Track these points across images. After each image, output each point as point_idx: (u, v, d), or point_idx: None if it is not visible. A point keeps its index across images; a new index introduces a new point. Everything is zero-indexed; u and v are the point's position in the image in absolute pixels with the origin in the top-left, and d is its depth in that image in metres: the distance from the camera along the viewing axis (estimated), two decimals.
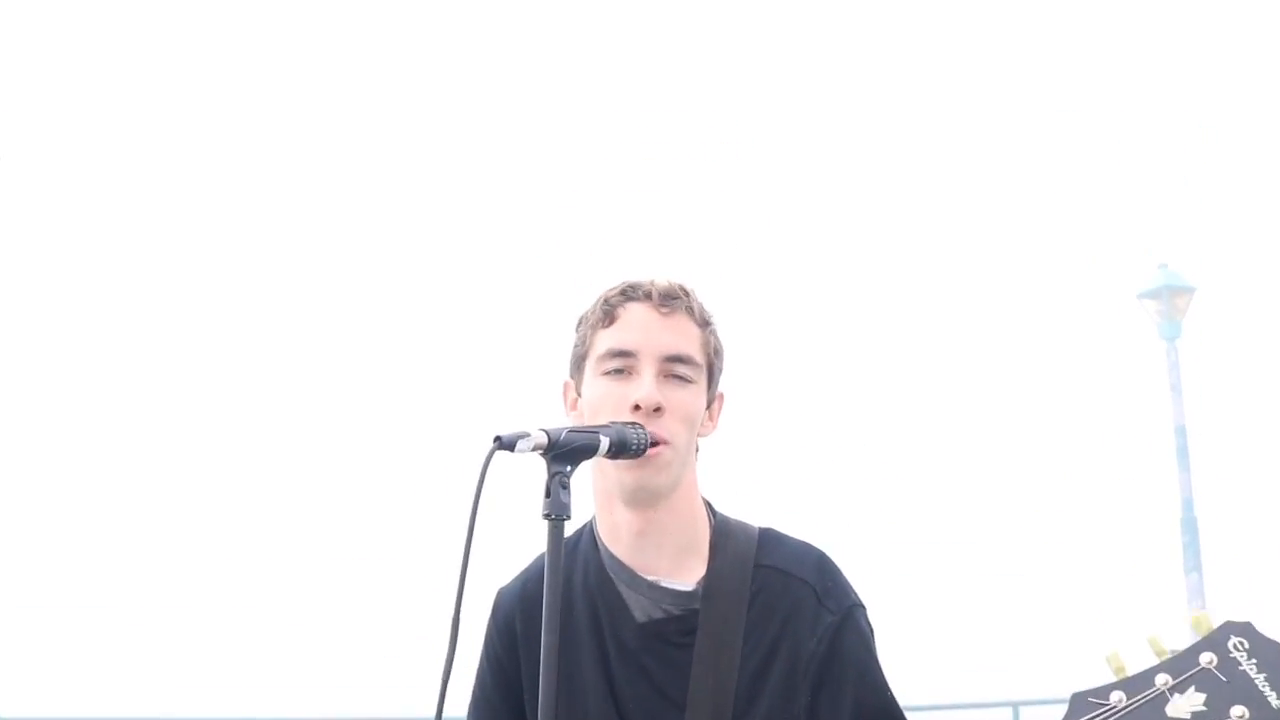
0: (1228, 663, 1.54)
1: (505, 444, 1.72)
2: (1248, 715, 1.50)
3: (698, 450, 2.11)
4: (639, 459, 1.92)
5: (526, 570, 2.18)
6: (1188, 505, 14.01)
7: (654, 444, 1.94)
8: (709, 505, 2.13)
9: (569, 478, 1.78)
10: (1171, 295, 14.50)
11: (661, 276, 2.08)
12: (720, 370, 2.12)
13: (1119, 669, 1.60)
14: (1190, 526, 13.91)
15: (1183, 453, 14.21)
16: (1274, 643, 1.55)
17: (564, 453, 1.77)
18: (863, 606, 2.08)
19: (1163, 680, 1.55)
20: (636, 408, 1.94)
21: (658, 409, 1.95)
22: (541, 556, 2.13)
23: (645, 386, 1.96)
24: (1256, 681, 1.52)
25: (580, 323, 2.09)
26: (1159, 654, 1.60)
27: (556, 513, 1.75)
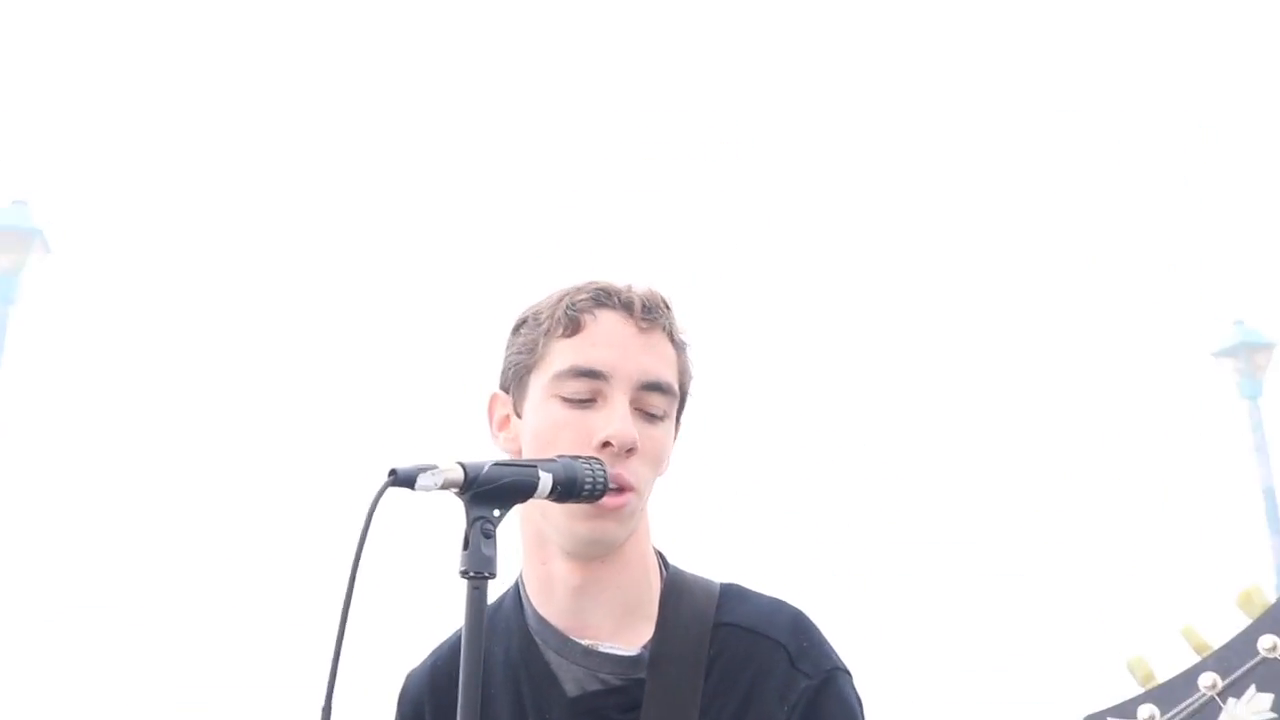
0: None
1: (402, 480, 1.34)
2: None
3: None
4: (594, 505, 1.53)
5: (438, 649, 1.79)
6: None
7: (619, 490, 1.56)
8: (661, 557, 1.74)
9: (495, 525, 1.40)
10: (1250, 353, 13.91)
11: (639, 283, 1.69)
12: (685, 405, 1.74)
13: (1146, 677, 1.17)
14: None
15: (1273, 516, 13.46)
16: None
17: (487, 492, 1.40)
18: (848, 672, 1.67)
19: (1209, 682, 1.12)
20: (606, 445, 1.57)
21: (630, 450, 1.58)
22: (458, 632, 1.76)
23: (619, 420, 1.58)
24: None
25: (524, 324, 1.70)
26: (1199, 649, 1.15)
27: (476, 569, 1.37)
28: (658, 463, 1.63)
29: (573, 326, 1.63)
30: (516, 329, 1.71)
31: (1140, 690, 1.15)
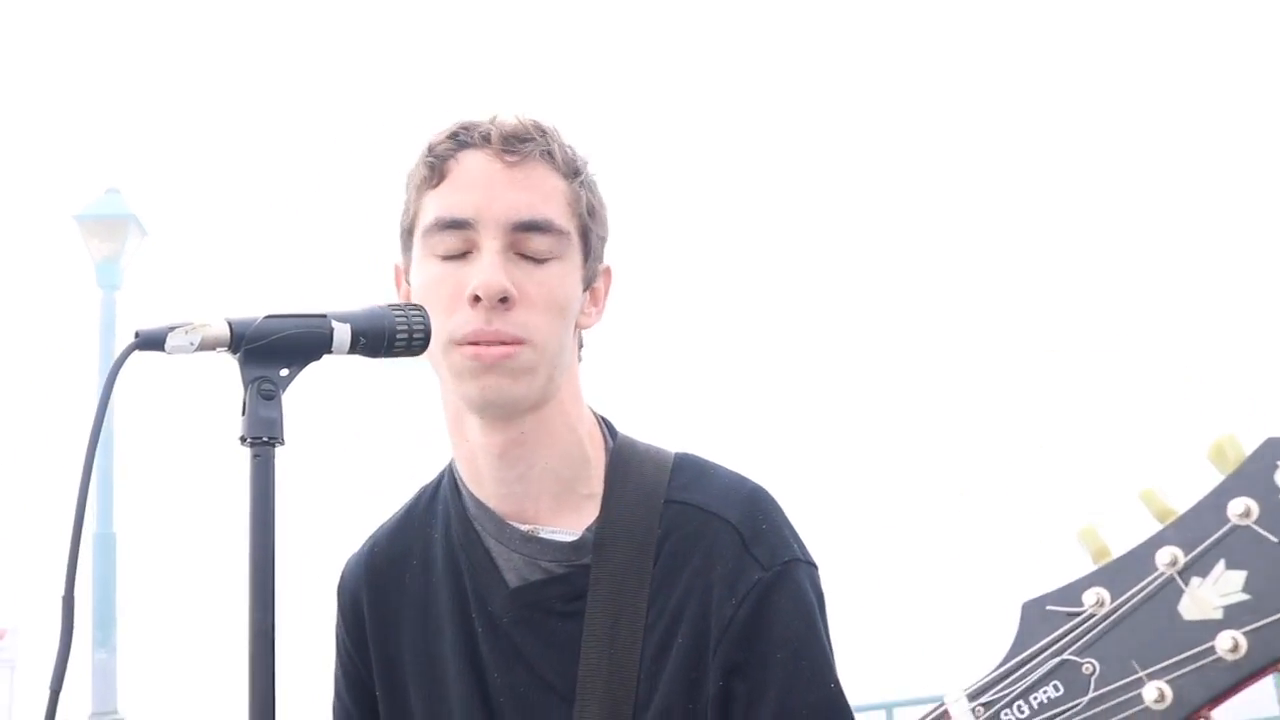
0: (1276, 509, 0.88)
1: (148, 341, 1.19)
2: None
3: (581, 347, 1.57)
4: (475, 358, 1.41)
5: (376, 532, 1.68)
6: None
7: (504, 343, 1.42)
8: (605, 425, 1.59)
9: (281, 387, 1.24)
10: None
11: (509, 112, 1.50)
12: (603, 237, 1.55)
13: (1099, 552, 0.96)
14: None
15: None
16: None
17: (262, 349, 1.24)
18: (810, 564, 1.48)
19: (1168, 558, 0.92)
20: (476, 299, 1.41)
21: (505, 300, 1.41)
22: (402, 512, 1.67)
23: (485, 269, 1.41)
24: None
25: (407, 183, 1.54)
26: (1161, 517, 0.94)
27: (255, 434, 1.21)
28: (556, 309, 1.45)
29: (437, 175, 1.47)
30: (405, 190, 1.55)
31: (1092, 568, 0.97)
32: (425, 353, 1.39)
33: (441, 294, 1.44)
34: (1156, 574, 0.92)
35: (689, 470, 1.53)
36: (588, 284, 1.53)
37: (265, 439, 1.21)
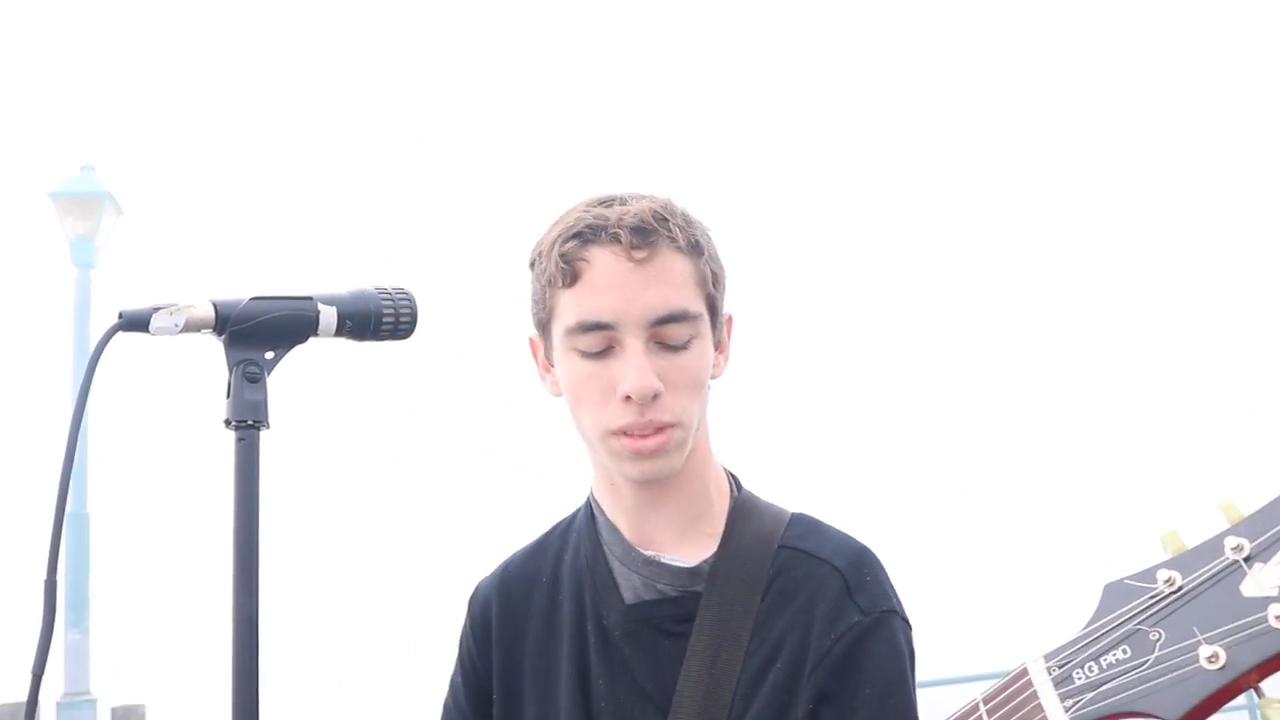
0: None
1: (133, 322, 1.17)
2: None
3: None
4: (634, 449, 1.49)
5: (511, 556, 1.78)
6: None
7: (656, 430, 1.51)
8: (732, 478, 1.70)
9: (266, 369, 1.23)
10: None
11: (628, 202, 1.53)
12: (723, 296, 1.62)
13: (1178, 550, 1.12)
14: None
15: None
16: None
17: (247, 331, 1.22)
18: (906, 620, 1.59)
19: (1235, 545, 1.07)
20: (628, 398, 1.49)
21: (656, 396, 1.49)
22: (536, 540, 1.77)
23: (633, 372, 1.48)
24: None
25: (532, 266, 1.59)
26: (1234, 521, 1.09)
27: (240, 417, 1.20)
28: (699, 387, 1.54)
29: (570, 276, 1.52)
30: (531, 265, 1.61)
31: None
32: (578, 433, 1.54)
33: (591, 389, 1.51)
34: (1223, 559, 1.07)
35: (804, 524, 1.65)
36: (717, 344, 1.61)
37: (250, 422, 1.20)
